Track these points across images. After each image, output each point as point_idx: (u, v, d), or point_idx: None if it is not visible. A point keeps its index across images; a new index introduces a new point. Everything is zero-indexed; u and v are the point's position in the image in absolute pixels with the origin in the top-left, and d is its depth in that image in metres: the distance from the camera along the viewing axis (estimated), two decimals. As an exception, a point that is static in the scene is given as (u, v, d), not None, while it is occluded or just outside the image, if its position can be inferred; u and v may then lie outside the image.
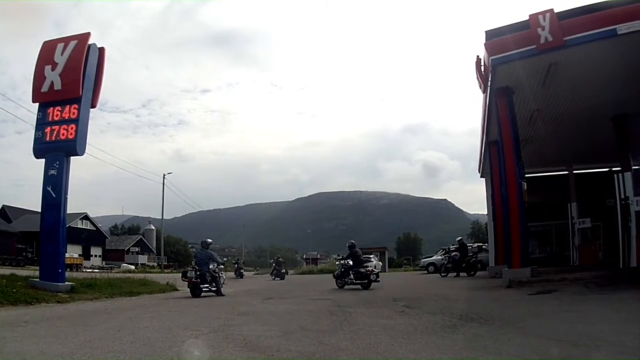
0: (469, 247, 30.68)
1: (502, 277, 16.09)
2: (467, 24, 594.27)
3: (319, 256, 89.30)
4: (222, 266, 18.67)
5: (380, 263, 49.17)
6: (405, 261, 78.89)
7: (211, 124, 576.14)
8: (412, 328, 7.95)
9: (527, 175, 30.81)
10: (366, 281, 19.97)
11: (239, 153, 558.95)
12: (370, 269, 21.65)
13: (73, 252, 69.94)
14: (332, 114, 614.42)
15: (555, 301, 11.23)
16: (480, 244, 38.98)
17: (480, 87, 18.56)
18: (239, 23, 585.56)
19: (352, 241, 22.26)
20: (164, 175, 65.22)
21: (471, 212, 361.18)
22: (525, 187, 16.86)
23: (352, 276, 20.31)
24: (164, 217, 68.16)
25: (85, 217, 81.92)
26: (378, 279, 20.41)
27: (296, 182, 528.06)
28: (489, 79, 16.99)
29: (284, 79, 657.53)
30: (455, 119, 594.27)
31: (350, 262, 20.74)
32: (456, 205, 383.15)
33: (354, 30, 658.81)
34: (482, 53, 16.92)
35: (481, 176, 31.84)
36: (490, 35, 16.17)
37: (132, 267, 68.25)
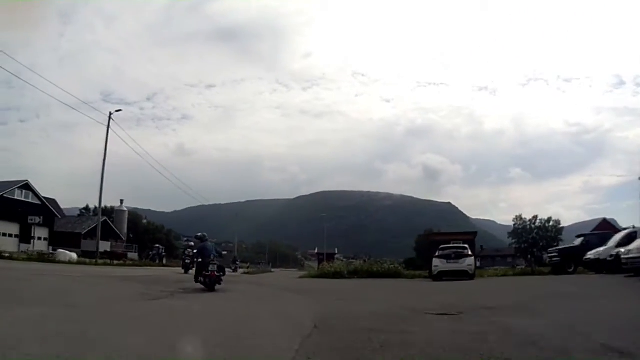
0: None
1: None
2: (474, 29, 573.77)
3: (336, 251, 65.97)
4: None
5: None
6: None
7: (215, 120, 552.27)
8: None
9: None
10: None
11: (241, 150, 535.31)
12: None
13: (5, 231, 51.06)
14: (336, 115, 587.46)
15: None
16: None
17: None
18: (246, 19, 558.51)
19: None
20: (110, 113, 42.30)
21: (473, 217, 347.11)
22: None
23: None
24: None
25: (26, 187, 58.55)
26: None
27: (295, 180, 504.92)
28: None
29: (290, 78, 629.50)
30: (459, 123, 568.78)
31: None
32: (460, 209, 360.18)
33: (361, 32, 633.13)
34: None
35: None
36: None
37: (75, 255, 44.44)
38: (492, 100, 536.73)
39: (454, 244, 27.93)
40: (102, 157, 41.83)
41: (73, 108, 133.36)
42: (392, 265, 31.49)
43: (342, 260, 50.91)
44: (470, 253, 26.78)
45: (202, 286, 16.01)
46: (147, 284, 17.03)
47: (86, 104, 54.08)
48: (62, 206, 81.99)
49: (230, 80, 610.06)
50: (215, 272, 15.90)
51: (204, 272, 16.12)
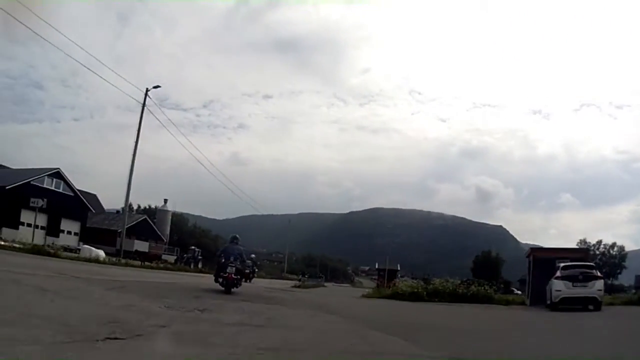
0: None
1: None
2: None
3: (399, 267, 57.86)
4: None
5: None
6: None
7: (270, 130, 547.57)
8: None
9: None
10: None
11: (295, 162, 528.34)
12: None
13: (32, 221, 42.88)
14: (392, 132, 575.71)
15: None
16: None
17: None
18: (305, 31, 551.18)
19: None
20: (147, 90, 36.31)
21: (523, 242, 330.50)
22: None
23: None
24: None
25: (57, 175, 53.03)
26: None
27: (348, 195, 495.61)
28: None
29: (347, 93, 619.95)
30: (513, 145, 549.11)
31: None
32: (511, 233, 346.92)
33: (419, 50, 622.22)
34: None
35: None
36: None
37: (101, 253, 37.58)
38: (545, 124, 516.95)
39: (559, 263, 20.89)
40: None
41: (135, 99, 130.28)
42: (482, 288, 23.98)
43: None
44: (599, 274, 20.50)
45: (221, 287, 15.83)
46: (144, 299, 10.28)
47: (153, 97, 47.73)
48: (109, 206, 77.67)
49: (287, 92, 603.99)
50: (233, 275, 15.77)
51: (221, 274, 16.09)
